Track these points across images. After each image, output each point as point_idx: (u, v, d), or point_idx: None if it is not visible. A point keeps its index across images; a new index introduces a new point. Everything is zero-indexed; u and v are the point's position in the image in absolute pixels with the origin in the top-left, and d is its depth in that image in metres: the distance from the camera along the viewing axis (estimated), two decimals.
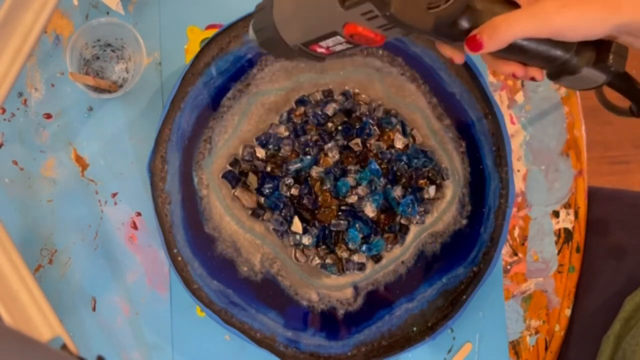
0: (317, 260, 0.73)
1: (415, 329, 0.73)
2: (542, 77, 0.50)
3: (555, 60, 0.48)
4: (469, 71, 0.74)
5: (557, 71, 0.49)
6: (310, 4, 0.44)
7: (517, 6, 0.46)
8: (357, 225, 0.72)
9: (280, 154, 0.73)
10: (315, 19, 0.45)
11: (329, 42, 0.46)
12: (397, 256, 0.74)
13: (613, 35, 0.47)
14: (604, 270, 0.76)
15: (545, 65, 0.49)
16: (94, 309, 0.72)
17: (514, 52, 0.47)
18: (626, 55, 0.48)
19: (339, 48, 0.46)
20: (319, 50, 0.47)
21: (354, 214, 0.73)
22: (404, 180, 0.74)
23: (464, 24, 0.46)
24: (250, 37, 0.53)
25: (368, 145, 0.74)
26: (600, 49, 0.48)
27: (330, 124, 0.73)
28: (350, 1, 0.40)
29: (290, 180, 0.72)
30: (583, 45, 0.47)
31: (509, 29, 0.44)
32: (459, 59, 0.49)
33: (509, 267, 0.77)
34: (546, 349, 0.78)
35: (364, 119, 0.73)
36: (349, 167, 0.73)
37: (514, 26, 0.44)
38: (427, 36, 0.46)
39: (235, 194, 0.72)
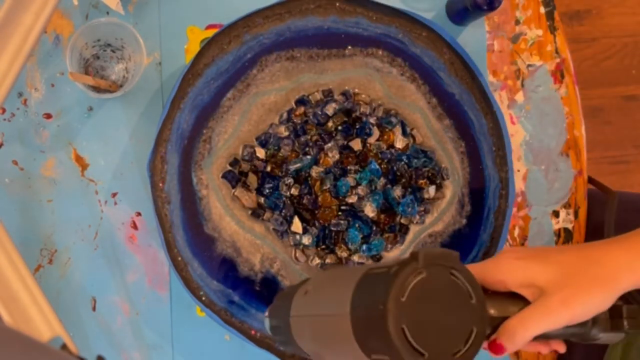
0: (317, 260, 0.73)
1: None
2: (565, 349, 0.54)
3: (574, 335, 0.51)
4: (469, 71, 0.74)
5: (578, 340, 0.52)
6: (333, 344, 0.46)
7: (525, 300, 0.49)
8: (357, 225, 0.72)
9: (280, 154, 0.73)
10: (340, 355, 0.46)
11: None
12: (397, 256, 0.74)
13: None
14: None
15: (566, 340, 0.53)
16: (94, 309, 0.72)
17: (535, 338, 0.50)
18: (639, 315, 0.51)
19: None
20: None
21: (354, 214, 0.73)
22: (404, 180, 0.74)
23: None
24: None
25: (368, 145, 0.74)
26: (613, 315, 0.51)
27: (330, 124, 0.73)
28: (377, 357, 0.42)
29: (290, 180, 0.72)
30: (597, 317, 0.50)
31: (525, 332, 0.48)
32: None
33: None
34: None
35: (364, 119, 0.74)
36: (349, 167, 0.73)
37: (529, 328, 0.48)
38: None
39: (235, 194, 0.72)
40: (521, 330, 0.48)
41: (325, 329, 0.46)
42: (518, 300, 0.50)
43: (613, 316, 0.51)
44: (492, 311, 0.49)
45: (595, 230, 0.79)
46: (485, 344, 0.50)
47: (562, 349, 0.53)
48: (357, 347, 0.43)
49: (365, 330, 0.42)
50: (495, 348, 0.49)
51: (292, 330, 0.51)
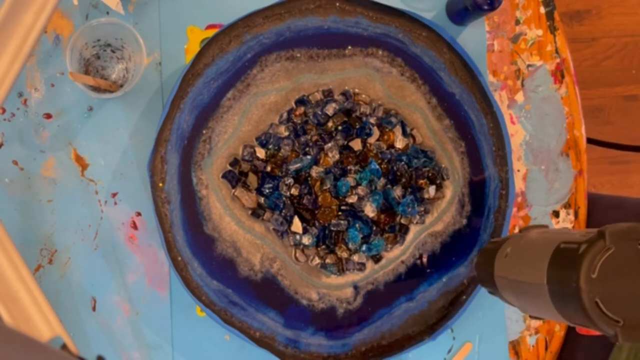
0: (317, 260, 0.73)
1: (415, 329, 0.73)
2: None
3: None
4: (469, 71, 0.74)
5: None
6: (536, 303, 0.50)
7: None
8: (357, 225, 0.72)
9: (280, 154, 0.73)
10: (542, 310, 0.50)
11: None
12: (397, 256, 0.74)
13: None
14: None
15: None
16: (94, 309, 0.72)
17: None
18: None
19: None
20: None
21: (354, 214, 0.73)
22: (404, 180, 0.74)
23: None
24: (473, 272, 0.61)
25: (368, 145, 0.74)
26: None
27: (330, 124, 0.73)
28: (577, 323, 0.46)
29: (290, 180, 0.72)
30: None
31: None
32: None
33: None
34: (546, 349, 0.78)
35: (364, 119, 0.74)
36: (349, 167, 0.73)
37: None
38: None
39: (235, 194, 0.72)
40: None
41: (527, 292, 0.50)
42: None
43: None
44: None
45: None
46: None
47: None
48: (557, 312, 0.47)
49: (562, 301, 0.46)
50: None
51: (497, 285, 0.55)
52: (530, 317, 0.54)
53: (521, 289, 0.51)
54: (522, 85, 0.79)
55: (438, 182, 0.75)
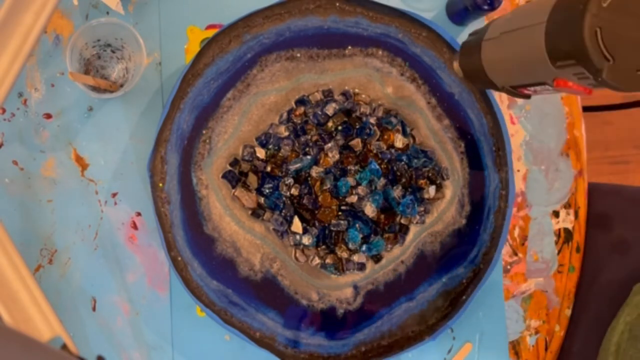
0: (317, 260, 0.73)
1: (415, 329, 0.73)
2: None
3: None
4: None
5: None
6: (521, 57, 0.48)
7: None
8: (357, 225, 0.72)
9: (280, 154, 0.73)
10: (525, 70, 0.49)
11: (537, 88, 0.49)
12: (397, 256, 0.74)
13: None
14: (608, 264, 0.77)
15: None
16: (94, 309, 0.72)
17: None
18: None
19: (546, 92, 0.50)
20: (526, 92, 0.52)
21: (354, 214, 0.73)
22: (404, 180, 0.74)
23: None
24: (454, 68, 0.58)
25: (368, 145, 0.74)
26: None
27: (330, 124, 0.73)
28: (563, 63, 0.44)
29: (290, 180, 0.72)
30: None
31: None
32: None
33: (509, 267, 0.77)
34: (546, 349, 0.78)
35: (364, 119, 0.73)
36: (349, 167, 0.73)
37: None
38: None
39: (235, 194, 0.72)
40: None
41: (518, 44, 0.48)
42: None
43: None
44: None
45: (599, 222, 0.79)
46: None
47: None
48: (546, 56, 0.45)
49: (558, 33, 0.44)
50: None
51: (483, 58, 0.53)
52: (509, 92, 0.51)
53: (512, 42, 0.49)
54: None
55: (438, 182, 0.75)
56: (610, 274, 0.76)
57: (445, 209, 0.75)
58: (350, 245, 0.72)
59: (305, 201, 0.72)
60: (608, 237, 0.78)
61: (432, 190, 0.74)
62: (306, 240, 0.72)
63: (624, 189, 0.84)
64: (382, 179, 0.73)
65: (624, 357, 0.67)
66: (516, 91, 0.52)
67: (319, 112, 0.73)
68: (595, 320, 0.74)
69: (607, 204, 0.80)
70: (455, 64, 0.58)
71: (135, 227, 0.73)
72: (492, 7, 0.70)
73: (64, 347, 0.44)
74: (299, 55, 0.74)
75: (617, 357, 0.68)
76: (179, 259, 0.70)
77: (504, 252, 0.77)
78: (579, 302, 0.78)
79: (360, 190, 0.73)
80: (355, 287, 0.74)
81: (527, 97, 0.54)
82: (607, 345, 0.69)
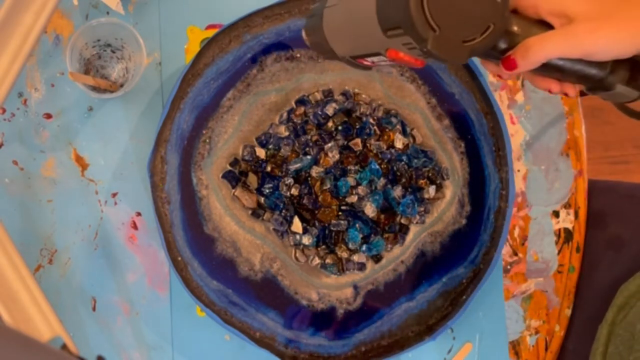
0: (317, 260, 0.73)
1: (415, 329, 0.73)
2: (575, 93, 0.53)
3: (591, 78, 0.50)
4: (468, 71, 0.74)
5: (592, 87, 0.51)
6: (356, 26, 0.48)
7: (552, 28, 0.48)
8: (357, 225, 0.72)
9: (280, 154, 0.73)
10: (360, 39, 0.48)
11: (374, 59, 0.49)
12: (397, 256, 0.74)
13: None
14: (603, 261, 0.77)
15: (580, 82, 0.51)
16: (94, 309, 0.72)
17: (551, 70, 0.49)
18: None
19: (383, 64, 0.50)
20: (365, 63, 0.51)
21: (354, 214, 0.73)
22: (404, 180, 0.74)
23: (501, 45, 0.48)
24: (303, 37, 0.57)
25: (368, 145, 0.74)
26: (634, 68, 0.50)
27: (330, 124, 0.73)
28: (392, 32, 0.44)
29: (290, 180, 0.72)
30: (617, 64, 0.49)
31: (541, 50, 0.47)
32: (505, 76, 0.51)
33: (509, 267, 0.77)
34: (546, 349, 0.78)
35: (364, 119, 0.74)
36: (349, 167, 0.73)
37: (546, 47, 0.46)
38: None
39: (235, 194, 0.72)
40: (537, 47, 0.46)
41: (354, 11, 0.47)
42: (545, 27, 0.49)
43: (633, 69, 0.49)
44: (515, 28, 0.48)
45: (595, 219, 0.79)
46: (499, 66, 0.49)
47: (572, 92, 0.52)
48: (377, 24, 0.44)
49: (387, 1, 0.43)
50: (508, 63, 0.48)
51: (324, 26, 0.52)
52: (350, 63, 0.51)
53: (347, 11, 0.48)
54: (522, 85, 0.79)
55: (438, 182, 0.75)
56: (605, 271, 0.76)
57: (445, 209, 0.75)
58: (350, 245, 0.73)
59: (305, 201, 0.72)
60: (603, 234, 0.78)
61: (432, 190, 0.74)
62: (306, 240, 0.72)
63: (620, 185, 0.84)
64: (382, 179, 0.73)
65: (611, 358, 0.67)
66: (356, 62, 0.51)
67: (319, 112, 0.73)
68: (589, 318, 0.74)
69: (603, 200, 0.80)
70: (303, 33, 0.57)
71: (135, 227, 0.73)
72: None
73: (64, 347, 0.44)
74: (299, 55, 0.74)
75: (604, 358, 0.68)
76: (179, 259, 0.70)
77: (504, 252, 0.77)
78: (576, 300, 0.78)
79: (360, 190, 0.73)
80: (355, 287, 0.74)
81: (368, 68, 0.53)
82: (596, 345, 0.69)
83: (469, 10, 0.43)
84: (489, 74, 0.78)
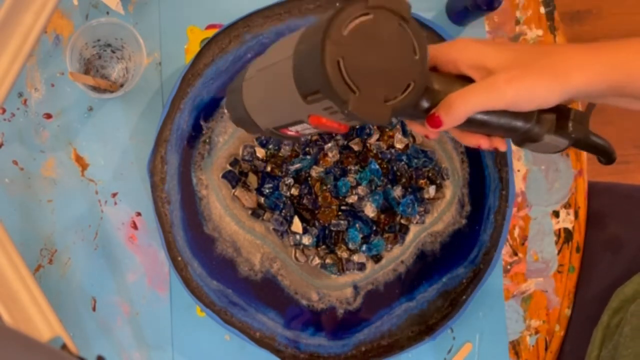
0: (317, 260, 0.73)
1: (415, 329, 0.73)
2: (505, 147, 0.52)
3: (517, 130, 0.49)
4: None
5: (521, 140, 0.50)
6: (276, 95, 0.46)
7: (473, 82, 0.48)
8: (357, 225, 0.72)
9: (280, 154, 0.73)
10: (281, 109, 0.47)
11: (298, 127, 0.47)
12: (397, 256, 0.74)
13: (571, 100, 0.49)
14: (601, 262, 0.77)
15: (508, 135, 0.50)
16: (94, 309, 0.72)
17: (477, 125, 0.49)
18: (586, 121, 0.49)
19: (307, 132, 0.48)
20: (289, 133, 0.49)
21: (354, 214, 0.73)
22: (404, 180, 0.74)
23: (424, 103, 0.47)
24: (225, 115, 0.54)
25: (368, 145, 0.74)
26: (560, 116, 0.49)
27: None
28: (312, 97, 0.42)
29: (290, 180, 0.72)
30: (543, 114, 0.49)
31: (463, 104, 0.46)
32: (432, 135, 0.51)
33: (509, 267, 0.77)
34: (546, 349, 0.78)
35: None
36: (349, 167, 0.73)
37: (468, 101, 0.46)
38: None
39: (235, 194, 0.72)
40: (459, 102, 0.46)
41: (272, 81, 0.46)
42: (466, 81, 0.48)
43: (559, 118, 0.49)
44: (436, 86, 0.47)
45: (594, 220, 0.79)
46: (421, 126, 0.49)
47: (502, 146, 0.52)
48: (296, 91, 0.42)
49: (303, 66, 0.42)
50: (433, 121, 0.47)
51: (245, 99, 0.50)
52: (274, 134, 0.50)
53: (267, 79, 0.47)
54: None
55: (438, 182, 0.75)
56: (603, 272, 0.76)
57: (445, 209, 0.75)
58: (350, 245, 0.72)
59: (305, 201, 0.72)
60: (602, 234, 0.78)
61: (432, 190, 0.74)
62: (306, 240, 0.72)
63: (618, 186, 0.84)
64: (382, 178, 0.73)
65: None
66: (279, 132, 0.50)
67: None
68: (587, 320, 0.74)
69: (602, 201, 0.80)
70: (225, 110, 0.55)
71: (135, 227, 0.73)
72: (492, 7, 0.70)
73: (64, 347, 0.44)
74: None
75: None
76: (179, 259, 0.70)
77: (504, 252, 0.77)
78: (575, 301, 0.78)
79: (360, 190, 0.73)
80: (355, 287, 0.74)
81: (295, 138, 0.51)
82: (591, 348, 0.69)
83: (387, 69, 0.41)
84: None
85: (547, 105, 0.47)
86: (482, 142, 0.51)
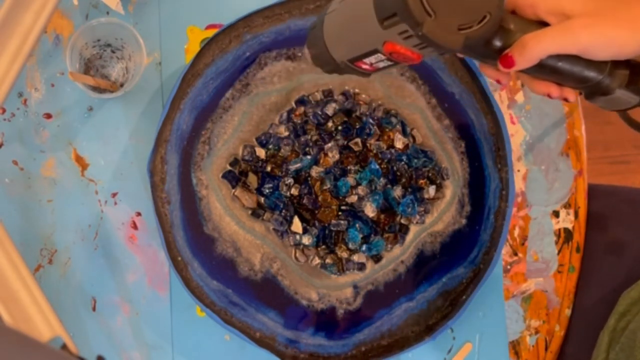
0: (317, 260, 0.73)
1: (415, 329, 0.73)
2: (575, 98, 0.52)
3: (589, 81, 0.49)
4: (468, 71, 0.74)
5: (591, 92, 0.50)
6: (354, 24, 0.48)
7: (548, 26, 0.48)
8: (357, 225, 0.72)
9: (280, 154, 0.73)
10: (358, 37, 0.48)
11: (372, 59, 0.49)
12: (397, 256, 0.74)
13: None
14: (603, 266, 0.77)
15: (579, 85, 0.50)
16: (94, 309, 0.72)
17: (548, 71, 0.49)
18: None
19: (381, 65, 0.49)
20: (364, 66, 0.51)
21: (354, 214, 0.73)
22: (404, 180, 0.74)
23: (497, 43, 0.48)
24: (305, 54, 0.57)
25: (368, 145, 0.74)
26: (633, 71, 0.49)
27: (330, 124, 0.73)
28: (388, 22, 0.43)
29: (290, 180, 0.72)
30: (616, 67, 0.49)
31: (537, 45, 0.46)
32: (504, 79, 0.51)
33: (509, 267, 0.77)
34: (546, 349, 0.78)
35: (364, 119, 0.74)
36: (349, 167, 0.73)
37: (542, 43, 0.46)
38: (464, 55, 0.49)
39: (235, 194, 0.72)
40: (533, 43, 0.46)
41: (351, 9, 0.47)
42: (543, 26, 0.48)
43: (633, 73, 0.49)
44: (512, 27, 0.48)
45: (595, 223, 0.79)
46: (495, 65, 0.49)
47: (572, 97, 0.52)
48: (374, 15, 0.44)
49: None
50: (506, 61, 0.48)
51: (325, 33, 0.51)
52: (349, 69, 0.51)
53: (346, 10, 0.48)
54: (522, 85, 0.79)
55: (438, 182, 0.75)
56: (605, 275, 0.76)
57: (445, 209, 0.75)
58: (350, 245, 0.73)
59: (305, 201, 0.72)
60: (604, 238, 0.78)
61: (432, 190, 0.74)
62: (306, 240, 0.72)
63: (620, 189, 0.84)
64: (382, 179, 0.73)
65: None
66: (355, 67, 0.51)
67: (319, 112, 0.73)
68: (589, 323, 0.74)
69: (603, 204, 0.80)
70: (305, 49, 0.56)
71: (135, 227, 0.73)
72: None
73: (64, 347, 0.44)
74: (299, 54, 0.74)
75: None
76: (179, 259, 0.70)
77: (504, 252, 0.77)
78: (575, 303, 0.78)
79: (360, 190, 0.73)
80: (355, 287, 0.74)
81: (367, 74, 0.52)
82: (597, 352, 0.69)
83: (465, 1, 0.42)
84: None
85: (621, 55, 0.47)
86: (552, 89, 0.51)
